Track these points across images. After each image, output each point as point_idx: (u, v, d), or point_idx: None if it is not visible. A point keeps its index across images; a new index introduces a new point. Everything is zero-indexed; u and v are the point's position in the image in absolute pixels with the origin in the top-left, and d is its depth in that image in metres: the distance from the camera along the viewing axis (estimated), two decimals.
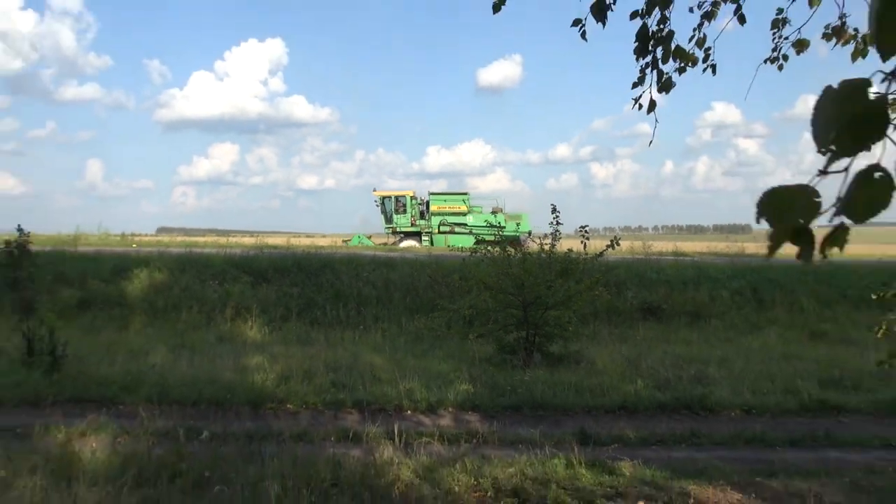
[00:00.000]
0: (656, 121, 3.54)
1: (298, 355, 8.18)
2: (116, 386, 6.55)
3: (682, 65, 3.34)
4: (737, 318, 11.88)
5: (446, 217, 28.11)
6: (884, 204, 0.89)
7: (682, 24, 3.49)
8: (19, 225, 10.55)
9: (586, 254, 8.89)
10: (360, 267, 12.99)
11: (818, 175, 0.91)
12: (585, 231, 9.22)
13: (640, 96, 3.42)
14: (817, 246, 0.95)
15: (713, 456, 5.08)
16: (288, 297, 11.83)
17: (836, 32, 3.33)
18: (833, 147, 0.89)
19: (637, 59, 3.31)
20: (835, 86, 0.89)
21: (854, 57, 3.25)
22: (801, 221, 0.92)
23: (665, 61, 3.28)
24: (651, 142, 3.74)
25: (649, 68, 3.32)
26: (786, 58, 3.67)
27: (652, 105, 3.40)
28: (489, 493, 4.11)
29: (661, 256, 16.29)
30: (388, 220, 28.87)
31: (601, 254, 8.95)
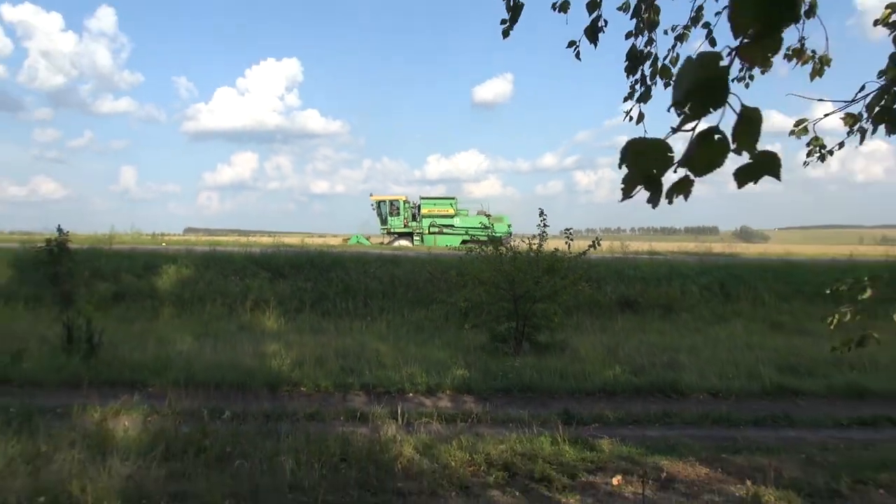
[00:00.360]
0: (645, 131, 3.54)
1: (311, 343, 8.17)
2: (147, 370, 6.54)
3: (666, 81, 3.34)
4: (705, 311, 11.88)
5: (435, 219, 28.29)
6: (719, 162, 0.93)
7: (662, 44, 3.49)
8: (59, 225, 10.52)
9: (570, 253, 8.90)
10: (367, 264, 12.97)
11: (671, 132, 0.95)
12: (569, 233, 9.25)
13: (631, 109, 3.43)
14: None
15: (683, 434, 5.09)
16: (302, 291, 11.81)
17: (796, 54, 3.33)
18: (685, 109, 0.92)
19: (627, 77, 3.32)
20: (694, 57, 0.93)
21: (812, 76, 3.25)
22: (655, 171, 0.95)
23: (652, 78, 3.29)
24: None
25: (638, 84, 3.33)
26: (752, 77, 3.67)
27: (641, 117, 3.41)
28: (482, 468, 4.11)
29: (637, 255, 16.30)
30: (384, 221, 29.03)
31: (584, 253, 8.95)
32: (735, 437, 5.01)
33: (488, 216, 27.56)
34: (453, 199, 29.15)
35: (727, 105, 0.91)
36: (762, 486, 3.83)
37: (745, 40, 0.91)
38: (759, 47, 0.91)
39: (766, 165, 0.95)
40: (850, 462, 4.31)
